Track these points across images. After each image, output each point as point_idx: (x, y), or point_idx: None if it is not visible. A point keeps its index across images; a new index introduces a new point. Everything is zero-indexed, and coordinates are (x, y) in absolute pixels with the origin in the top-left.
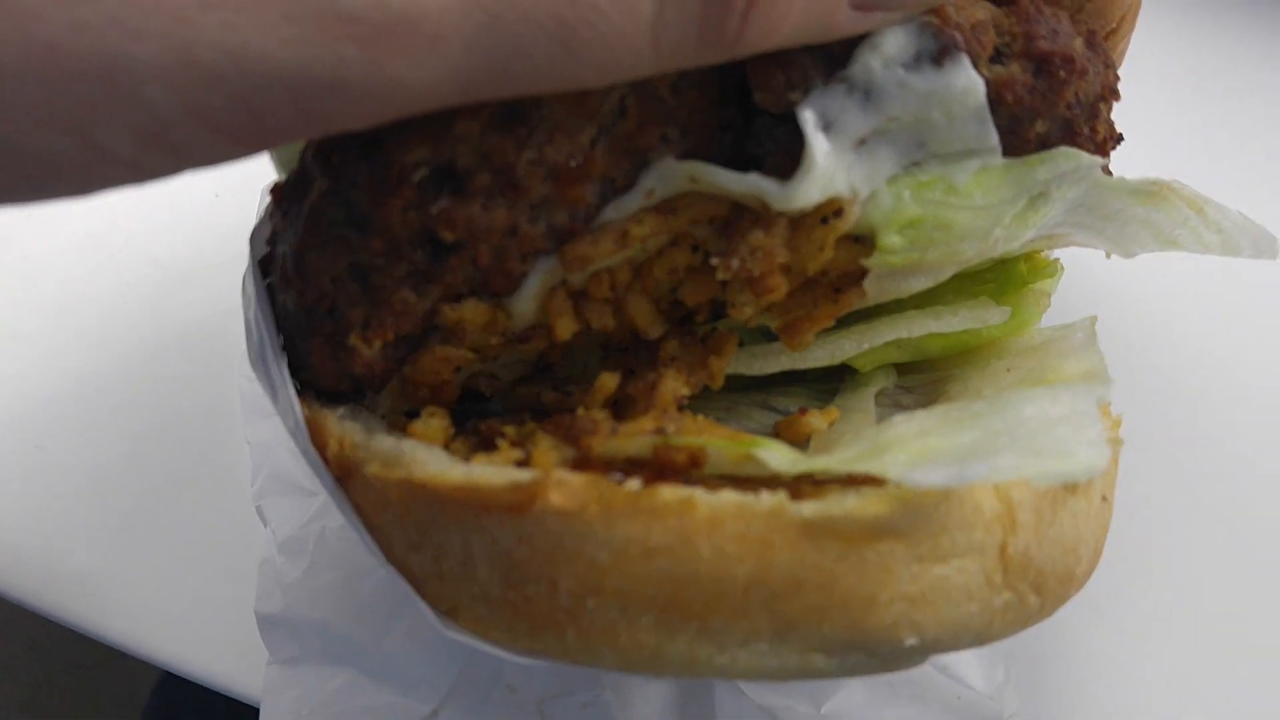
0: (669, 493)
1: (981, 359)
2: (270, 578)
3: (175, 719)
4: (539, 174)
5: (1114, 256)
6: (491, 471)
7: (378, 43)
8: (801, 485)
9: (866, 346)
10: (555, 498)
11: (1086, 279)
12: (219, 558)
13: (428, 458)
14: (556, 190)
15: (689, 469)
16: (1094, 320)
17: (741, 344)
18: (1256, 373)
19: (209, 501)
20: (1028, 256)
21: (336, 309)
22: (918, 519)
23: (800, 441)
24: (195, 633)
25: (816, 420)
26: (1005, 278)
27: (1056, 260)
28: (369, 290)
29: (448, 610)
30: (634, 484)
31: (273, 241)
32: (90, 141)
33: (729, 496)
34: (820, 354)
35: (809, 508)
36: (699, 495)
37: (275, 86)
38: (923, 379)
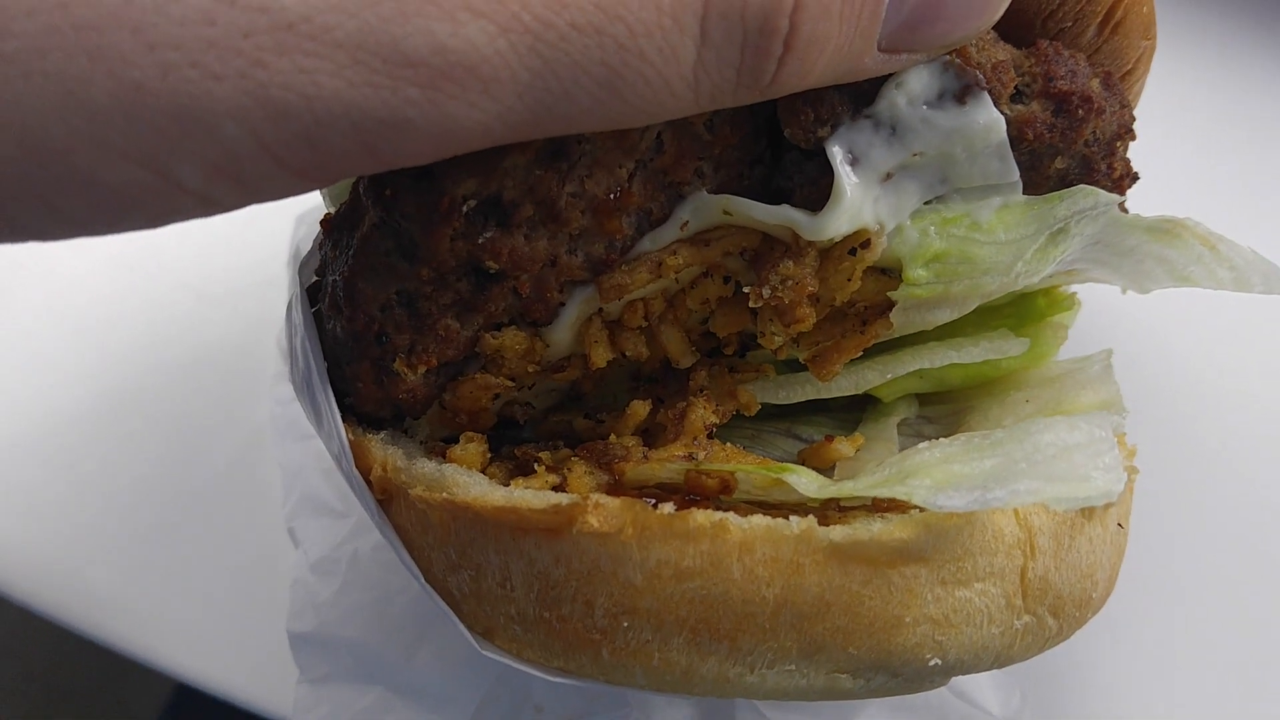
0: (702, 516)
1: (1001, 390)
2: (303, 597)
3: None
4: (579, 206)
5: (1130, 292)
6: (531, 495)
7: (437, 85)
8: (828, 511)
9: (890, 376)
10: (593, 520)
11: (1104, 313)
12: (246, 577)
13: (469, 481)
14: (595, 222)
15: (719, 494)
16: (1109, 353)
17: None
18: (1270, 404)
19: (237, 522)
20: (1046, 291)
21: (384, 334)
22: (941, 543)
23: (826, 467)
24: (221, 650)
25: (843, 447)
26: (1024, 311)
27: (1074, 294)
28: (415, 317)
29: (484, 631)
30: (668, 507)
31: (322, 271)
32: (166, 174)
33: (760, 521)
34: (845, 383)
35: (838, 532)
36: (731, 519)
37: (342, 124)
38: (944, 409)
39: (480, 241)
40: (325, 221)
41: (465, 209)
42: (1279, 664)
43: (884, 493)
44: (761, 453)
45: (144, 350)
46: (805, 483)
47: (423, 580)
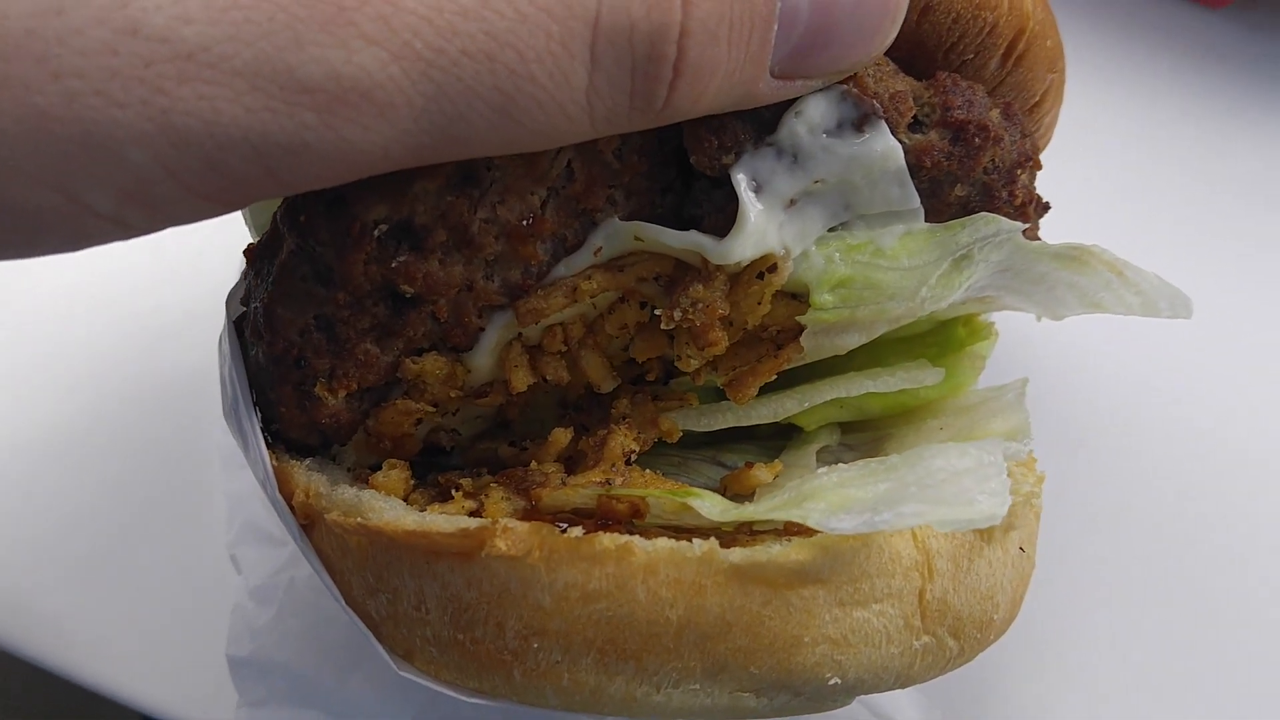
0: (608, 539)
1: (919, 418)
2: (241, 622)
3: None
4: (492, 232)
5: (1044, 319)
6: (443, 520)
7: (333, 110)
8: (739, 535)
9: (808, 405)
10: (501, 543)
11: (1022, 344)
12: (193, 603)
13: (384, 507)
14: (510, 247)
15: (630, 518)
16: (1024, 382)
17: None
18: (1187, 429)
19: (187, 549)
20: (966, 320)
21: (303, 358)
22: (838, 565)
23: (747, 493)
24: (168, 675)
25: (762, 474)
26: (944, 340)
27: (992, 324)
28: (334, 341)
29: (403, 653)
30: (576, 531)
31: (246, 300)
32: (77, 199)
33: (664, 543)
34: (765, 411)
35: (737, 554)
36: (636, 542)
37: (242, 148)
38: (864, 437)
39: (394, 265)
40: (249, 251)
41: (377, 233)
42: (1203, 684)
43: (780, 515)
44: (687, 479)
45: (94, 379)
46: (709, 506)
47: (343, 603)
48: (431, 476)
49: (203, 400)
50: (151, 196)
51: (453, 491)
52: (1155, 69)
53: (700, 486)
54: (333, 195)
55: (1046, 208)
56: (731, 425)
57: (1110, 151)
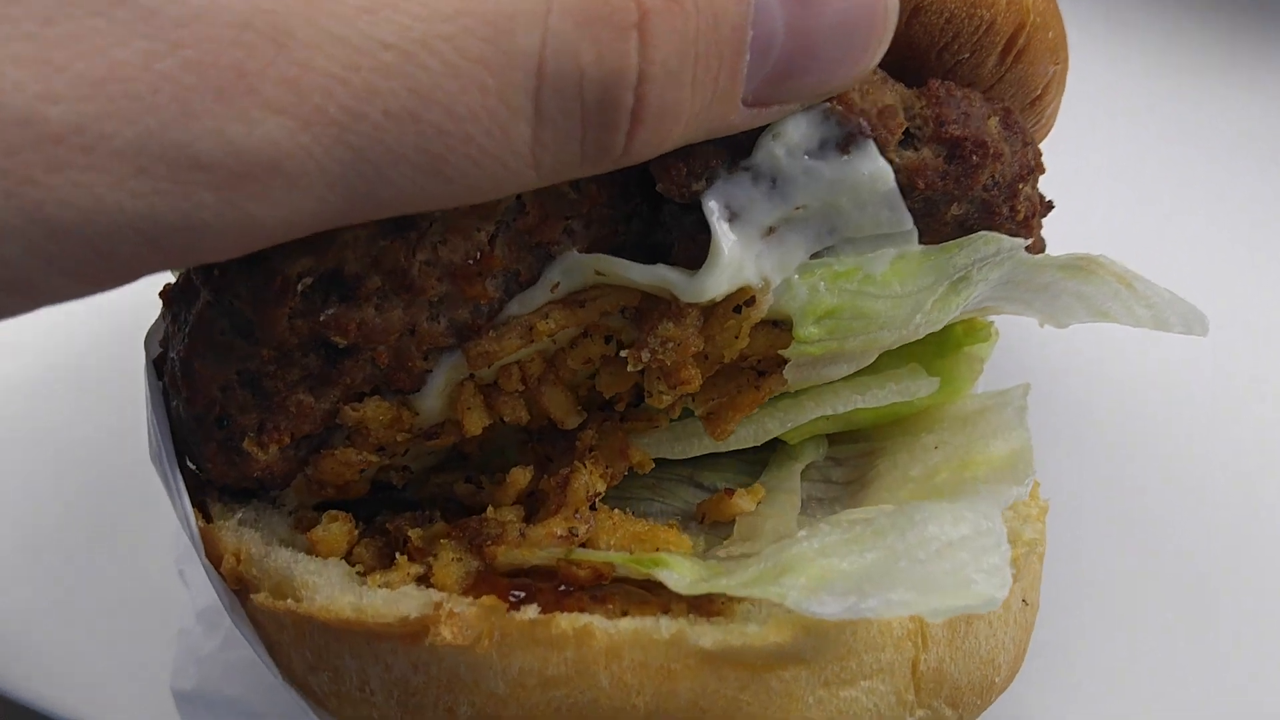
0: (565, 622)
1: (912, 429)
2: (186, 650)
3: None
4: (434, 274)
5: (1047, 326)
6: (380, 603)
7: (234, 186)
8: (713, 598)
9: (791, 426)
10: (446, 632)
11: (1023, 343)
12: (143, 622)
13: (318, 583)
14: (455, 288)
15: (593, 583)
16: (1026, 390)
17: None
18: (1195, 436)
19: (136, 561)
20: (963, 320)
21: (227, 416)
22: (822, 644)
23: (726, 520)
24: (116, 698)
25: (743, 501)
26: (939, 341)
27: (991, 324)
28: (261, 395)
29: (353, 718)
30: (530, 612)
31: (165, 344)
32: None
33: (628, 625)
34: (745, 435)
35: (709, 637)
36: (596, 624)
37: (128, 234)
38: (853, 449)
39: (323, 319)
40: (164, 292)
41: (301, 287)
42: (1204, 678)
43: (757, 594)
44: (661, 504)
45: (32, 379)
46: (677, 579)
47: (284, 678)
48: (380, 520)
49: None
50: (31, 286)
51: (397, 555)
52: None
53: (675, 511)
54: None
55: (1049, 208)
56: (709, 452)
57: (1109, 126)
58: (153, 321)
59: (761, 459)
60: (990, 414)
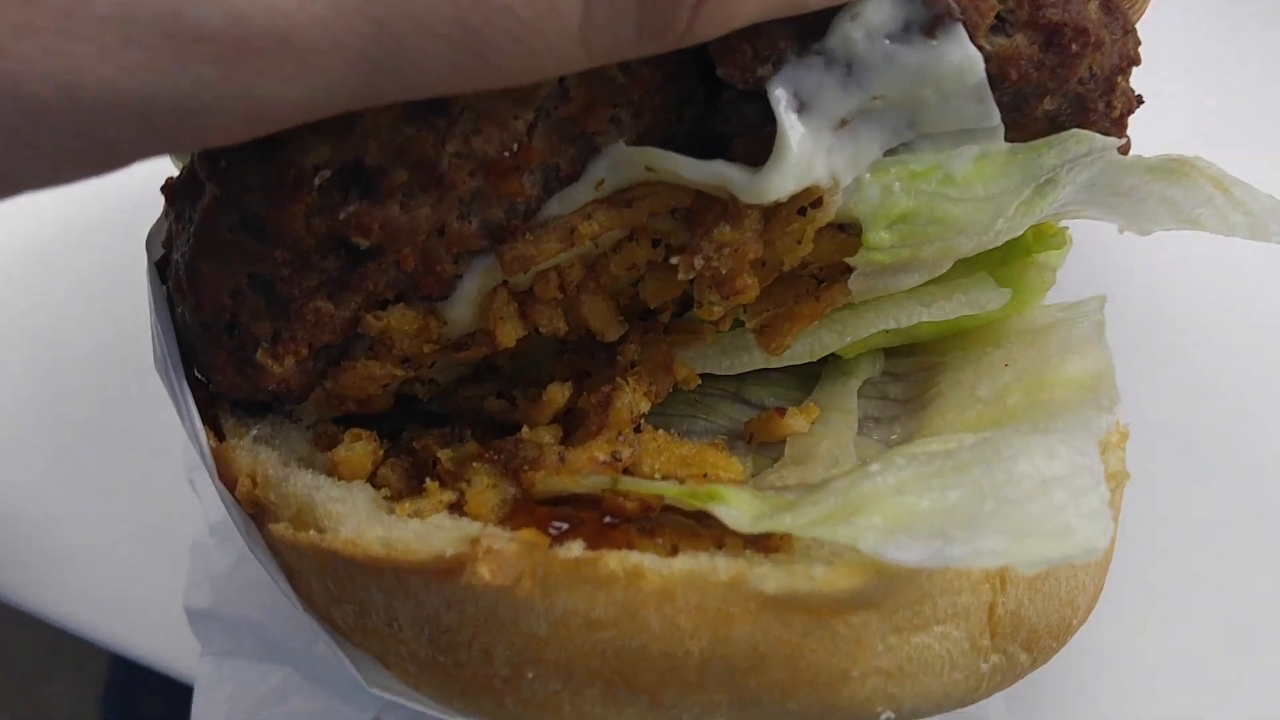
0: (614, 562)
1: (978, 343)
2: (200, 566)
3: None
4: (466, 167)
5: (1127, 232)
6: (413, 537)
7: (240, 62)
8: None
9: (850, 340)
10: (485, 571)
11: (1098, 251)
12: (156, 529)
13: (343, 512)
14: (488, 184)
15: (640, 515)
16: (1102, 301)
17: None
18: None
19: (147, 469)
20: (1035, 225)
21: (237, 325)
22: (894, 587)
23: (776, 440)
24: (131, 612)
25: (795, 421)
26: (1007, 246)
27: (1065, 230)
28: (275, 302)
29: (378, 654)
30: (575, 549)
31: (169, 245)
32: None
33: (682, 565)
34: (799, 350)
35: (771, 581)
36: (648, 565)
37: (119, 114)
38: (913, 364)
39: (342, 217)
40: (166, 187)
41: (319, 180)
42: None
43: (826, 535)
44: (705, 422)
45: (33, 275)
46: (735, 515)
47: (304, 608)
48: (406, 437)
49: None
50: (8, 172)
51: (427, 481)
52: None
53: (720, 430)
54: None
55: (1140, 103)
56: (761, 367)
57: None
58: (155, 220)
59: (813, 373)
60: (1063, 329)
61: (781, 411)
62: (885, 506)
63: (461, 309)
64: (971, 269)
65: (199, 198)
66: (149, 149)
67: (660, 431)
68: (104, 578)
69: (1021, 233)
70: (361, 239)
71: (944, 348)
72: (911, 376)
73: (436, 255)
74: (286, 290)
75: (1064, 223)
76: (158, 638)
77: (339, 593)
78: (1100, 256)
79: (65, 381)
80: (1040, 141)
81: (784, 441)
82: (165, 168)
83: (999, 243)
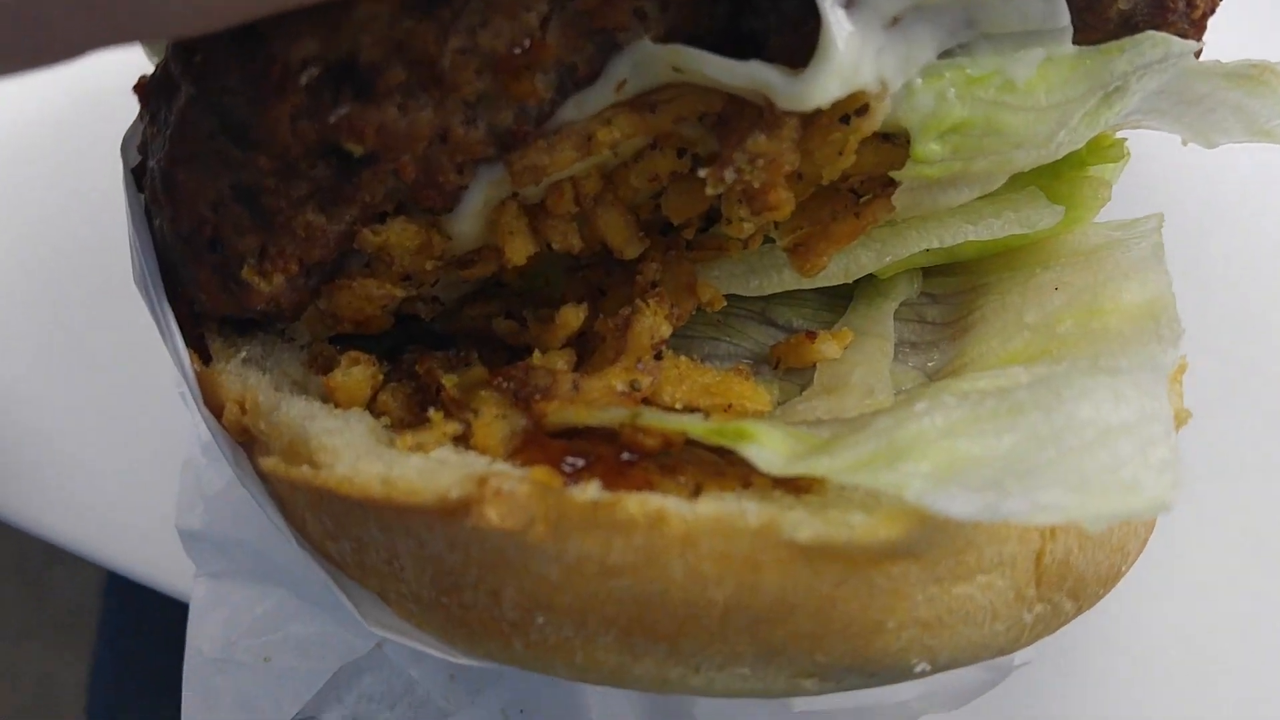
0: (634, 505)
1: (1024, 264)
2: (193, 485)
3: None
4: (472, 65)
5: (1191, 145)
6: (415, 474)
7: None
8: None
9: (889, 260)
10: (493, 514)
11: (1156, 165)
12: (149, 444)
13: (339, 446)
14: (498, 85)
15: (661, 451)
16: (1160, 220)
17: None
18: None
19: (138, 382)
20: None
21: (219, 239)
22: (939, 536)
23: (805, 366)
24: (123, 528)
25: (827, 347)
26: (1061, 160)
27: (1123, 141)
28: (260, 214)
29: (378, 591)
30: (591, 490)
31: (144, 150)
32: None
33: (707, 509)
34: (834, 270)
35: (805, 529)
36: (670, 508)
37: None
38: (953, 284)
39: (333, 120)
40: (140, 86)
41: (305, 79)
42: None
43: (868, 481)
44: (729, 345)
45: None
46: (768, 457)
47: (298, 542)
48: (408, 358)
49: None
50: None
51: (430, 410)
52: None
53: (745, 353)
54: (240, 26)
55: (1217, 4)
56: (791, 288)
57: None
58: (130, 123)
59: (845, 294)
60: (1118, 250)
61: (812, 335)
62: (933, 451)
63: (467, 223)
64: (1021, 183)
65: (174, 98)
66: (95, 37)
67: (682, 358)
68: (99, 494)
69: (1082, 145)
70: (355, 145)
71: (987, 268)
72: (952, 299)
73: (439, 164)
74: (273, 201)
75: (1122, 133)
76: (154, 555)
77: (335, 529)
78: (1157, 173)
79: (47, 292)
80: (1111, 45)
81: (813, 368)
82: (141, 63)
83: (1058, 156)
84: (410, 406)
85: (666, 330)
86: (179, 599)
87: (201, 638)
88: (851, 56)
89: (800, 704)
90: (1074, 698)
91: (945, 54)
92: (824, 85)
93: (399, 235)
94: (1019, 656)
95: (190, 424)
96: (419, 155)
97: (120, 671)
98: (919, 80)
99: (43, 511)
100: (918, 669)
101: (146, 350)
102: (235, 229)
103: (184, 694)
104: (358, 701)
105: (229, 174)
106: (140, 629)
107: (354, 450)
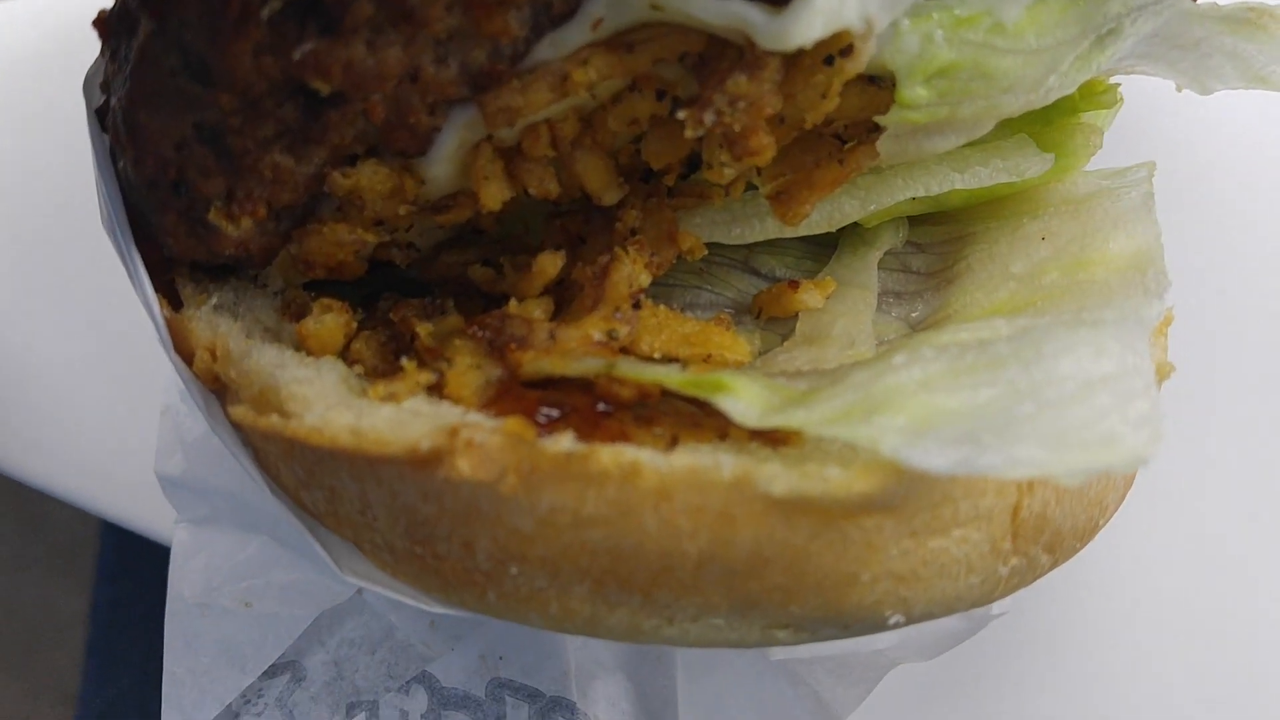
0: (608, 457)
1: (1012, 213)
2: (171, 431)
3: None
4: (442, 1)
5: (1185, 91)
6: (385, 425)
7: None
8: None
9: (874, 209)
10: (464, 466)
11: (1149, 114)
12: (128, 388)
13: (310, 395)
14: (469, 20)
15: (637, 402)
16: (1152, 169)
17: None
18: None
19: (116, 324)
20: None
21: (183, 182)
22: (915, 490)
23: (787, 316)
24: (101, 471)
25: (809, 296)
26: (1052, 105)
27: (1116, 87)
28: (226, 156)
29: (352, 538)
30: (565, 442)
31: (107, 89)
32: None
33: (681, 462)
34: (817, 219)
35: (780, 482)
36: (644, 460)
37: None
38: (939, 233)
39: (297, 57)
40: (100, 21)
41: (267, 13)
42: None
43: (843, 434)
44: (710, 294)
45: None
46: (743, 409)
47: (271, 491)
48: (382, 306)
49: None
50: None
51: (404, 359)
52: None
53: (726, 302)
54: None
55: None
56: (773, 237)
57: None
58: (93, 61)
59: (828, 242)
60: (1107, 199)
61: (794, 285)
62: (910, 404)
63: (441, 166)
64: (1010, 130)
65: (134, 34)
66: None
67: (661, 307)
68: (73, 435)
69: (1073, 90)
70: (321, 84)
71: (974, 216)
72: (937, 248)
73: (409, 104)
74: (238, 142)
75: (1114, 79)
76: (138, 501)
77: (308, 478)
78: (1149, 119)
79: (35, 232)
80: None
81: (795, 317)
82: None
83: (1048, 101)
84: (384, 355)
85: (646, 279)
86: (165, 544)
87: (183, 583)
88: None
89: (779, 652)
90: (1050, 647)
91: None
92: (807, 23)
93: (370, 179)
94: (996, 607)
95: (169, 370)
96: (388, 95)
97: (119, 609)
98: (905, 21)
99: (27, 456)
100: (892, 621)
101: (131, 294)
102: (200, 171)
103: (165, 638)
104: (339, 646)
105: (192, 113)
106: (138, 568)
107: (324, 399)
